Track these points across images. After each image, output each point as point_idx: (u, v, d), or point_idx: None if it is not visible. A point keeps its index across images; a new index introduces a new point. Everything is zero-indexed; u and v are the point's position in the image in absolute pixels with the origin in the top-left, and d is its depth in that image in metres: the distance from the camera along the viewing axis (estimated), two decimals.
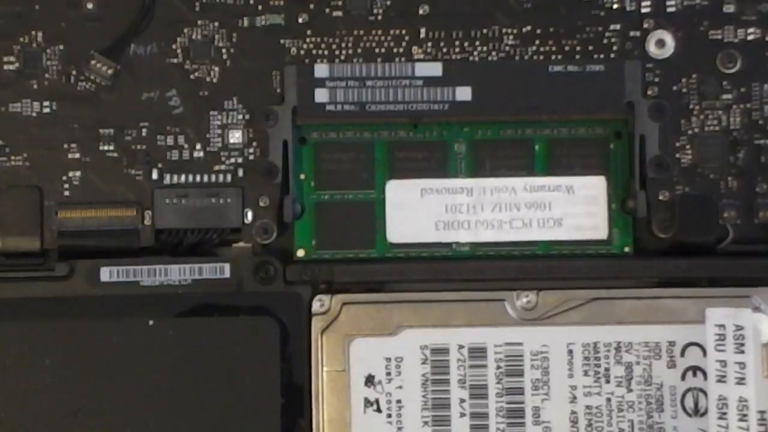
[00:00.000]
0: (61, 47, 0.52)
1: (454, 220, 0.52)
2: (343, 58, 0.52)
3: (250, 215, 0.52)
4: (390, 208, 0.52)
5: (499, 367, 0.51)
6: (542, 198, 0.52)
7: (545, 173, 0.52)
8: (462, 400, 0.51)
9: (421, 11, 0.53)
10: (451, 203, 0.52)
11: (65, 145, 0.52)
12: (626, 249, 0.52)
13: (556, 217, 0.52)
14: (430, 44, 0.52)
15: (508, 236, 0.52)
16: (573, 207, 0.52)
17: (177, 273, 0.51)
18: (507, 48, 0.52)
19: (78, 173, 0.52)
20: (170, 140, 0.52)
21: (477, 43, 0.52)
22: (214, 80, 0.52)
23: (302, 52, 0.52)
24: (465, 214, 0.52)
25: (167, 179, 0.52)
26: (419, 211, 0.52)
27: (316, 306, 0.51)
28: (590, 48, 0.52)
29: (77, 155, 0.52)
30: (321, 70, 0.52)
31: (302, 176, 0.53)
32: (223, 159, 0.52)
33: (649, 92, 0.52)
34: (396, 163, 0.53)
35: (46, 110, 0.52)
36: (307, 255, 0.52)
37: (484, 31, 0.52)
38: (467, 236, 0.52)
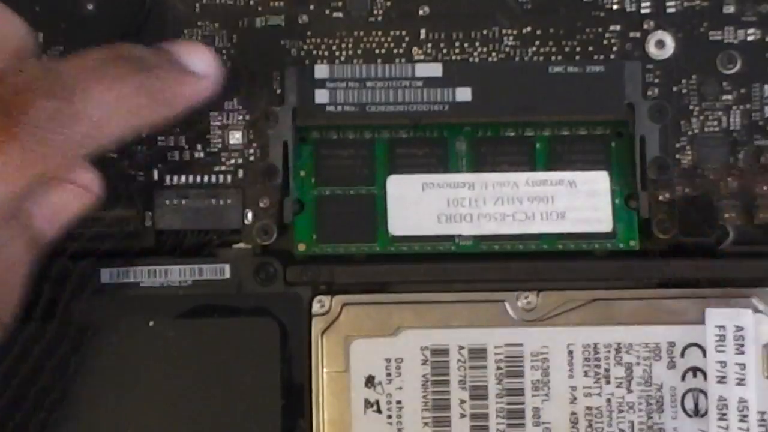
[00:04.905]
0: (61, 47, 0.52)
1: (456, 213, 0.52)
2: (343, 59, 0.52)
3: (250, 216, 0.52)
4: (391, 201, 0.52)
5: (499, 368, 0.51)
6: (545, 192, 0.52)
7: (547, 170, 0.52)
8: (462, 401, 0.51)
9: (421, 12, 0.52)
10: (453, 197, 0.52)
11: None
12: (632, 243, 0.52)
13: (560, 210, 0.52)
14: (430, 45, 0.52)
15: (510, 229, 0.52)
16: (576, 200, 0.52)
17: (177, 274, 0.51)
18: (507, 49, 0.52)
19: None
20: (171, 141, 0.52)
21: (477, 44, 0.52)
22: None
23: (302, 53, 0.52)
24: (467, 207, 0.52)
25: (168, 180, 0.52)
26: (421, 204, 0.52)
27: (316, 307, 0.51)
28: (590, 49, 0.52)
29: None
30: (321, 71, 0.52)
31: (302, 173, 0.52)
32: (223, 160, 0.52)
33: (649, 93, 0.52)
34: (397, 160, 0.52)
35: None
36: (307, 249, 0.52)
37: (484, 32, 0.52)
38: (470, 229, 0.52)
